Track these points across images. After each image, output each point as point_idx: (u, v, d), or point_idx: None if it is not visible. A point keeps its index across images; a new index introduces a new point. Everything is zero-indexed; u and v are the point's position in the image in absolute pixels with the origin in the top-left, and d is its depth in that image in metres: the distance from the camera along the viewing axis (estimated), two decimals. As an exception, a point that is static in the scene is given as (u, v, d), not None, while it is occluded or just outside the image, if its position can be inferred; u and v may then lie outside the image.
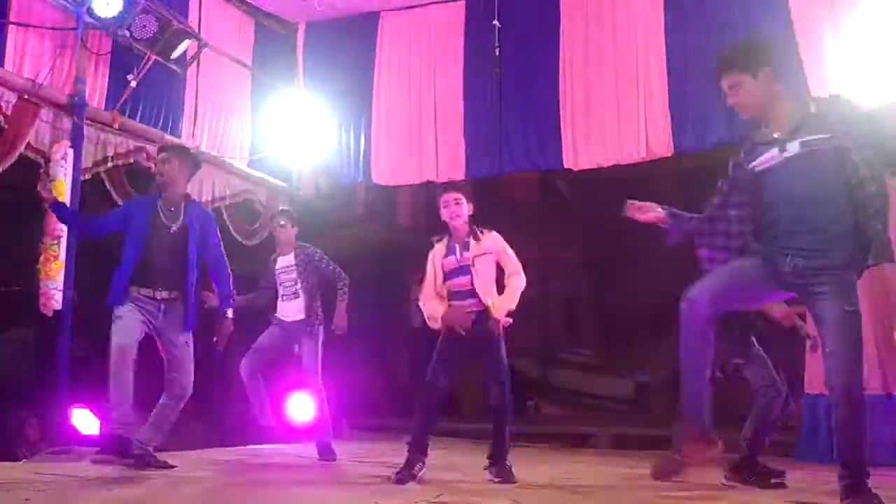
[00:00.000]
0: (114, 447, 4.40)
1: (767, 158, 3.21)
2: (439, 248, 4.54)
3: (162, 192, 4.60)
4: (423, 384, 4.44)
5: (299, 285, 5.61)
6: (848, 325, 3.07)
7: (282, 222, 5.77)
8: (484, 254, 4.45)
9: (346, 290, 5.65)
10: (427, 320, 4.52)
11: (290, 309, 5.62)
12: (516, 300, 4.47)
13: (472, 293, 4.39)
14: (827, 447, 5.40)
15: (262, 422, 5.70)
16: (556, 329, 13.31)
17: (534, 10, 7.15)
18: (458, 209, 4.48)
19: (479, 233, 4.50)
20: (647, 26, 6.70)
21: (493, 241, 4.51)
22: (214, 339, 4.78)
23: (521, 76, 7.07)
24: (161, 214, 4.53)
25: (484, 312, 4.39)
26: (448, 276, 4.47)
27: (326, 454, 5.49)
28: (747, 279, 3.33)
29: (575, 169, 6.96)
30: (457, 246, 4.48)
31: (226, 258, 4.80)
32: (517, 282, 4.49)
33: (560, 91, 6.94)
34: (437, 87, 7.43)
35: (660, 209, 3.50)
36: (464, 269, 4.44)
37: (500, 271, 4.57)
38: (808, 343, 4.87)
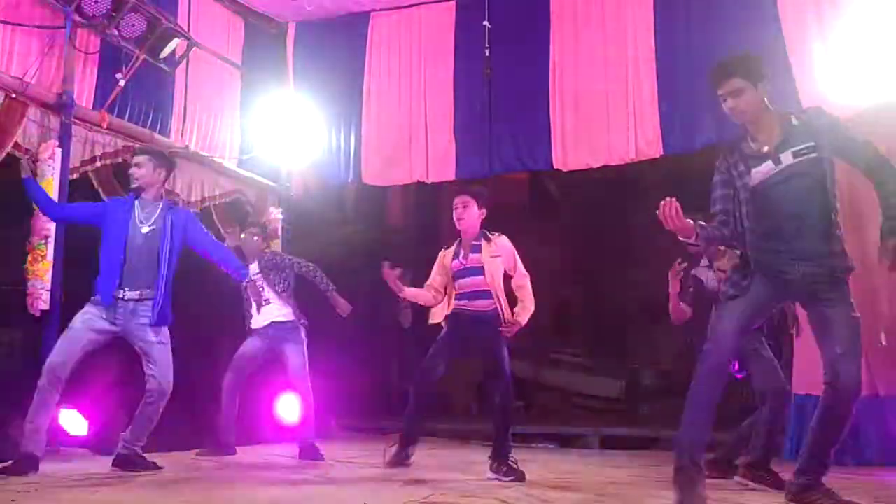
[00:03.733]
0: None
1: (764, 171, 3.31)
2: (447, 252, 4.80)
3: (137, 194, 4.60)
4: (422, 369, 4.65)
5: (266, 290, 5.59)
6: (856, 329, 3.24)
7: (255, 233, 5.85)
8: (495, 256, 4.65)
9: (323, 276, 5.67)
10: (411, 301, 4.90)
11: (265, 313, 5.61)
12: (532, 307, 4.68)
13: (485, 294, 4.59)
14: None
15: (222, 438, 5.61)
16: (546, 329, 13.30)
17: (524, 10, 7.14)
18: (464, 212, 4.69)
19: (489, 235, 4.71)
20: (636, 27, 6.71)
21: (503, 244, 4.71)
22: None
23: (511, 77, 7.07)
24: (136, 215, 4.53)
25: (494, 313, 4.57)
26: (456, 276, 4.70)
27: (310, 454, 5.46)
28: (762, 300, 3.39)
29: (564, 170, 6.97)
30: (462, 250, 4.71)
31: (216, 240, 4.93)
32: (529, 288, 4.68)
33: (550, 92, 6.94)
34: (427, 88, 7.42)
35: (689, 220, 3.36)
36: (471, 271, 4.64)
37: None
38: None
